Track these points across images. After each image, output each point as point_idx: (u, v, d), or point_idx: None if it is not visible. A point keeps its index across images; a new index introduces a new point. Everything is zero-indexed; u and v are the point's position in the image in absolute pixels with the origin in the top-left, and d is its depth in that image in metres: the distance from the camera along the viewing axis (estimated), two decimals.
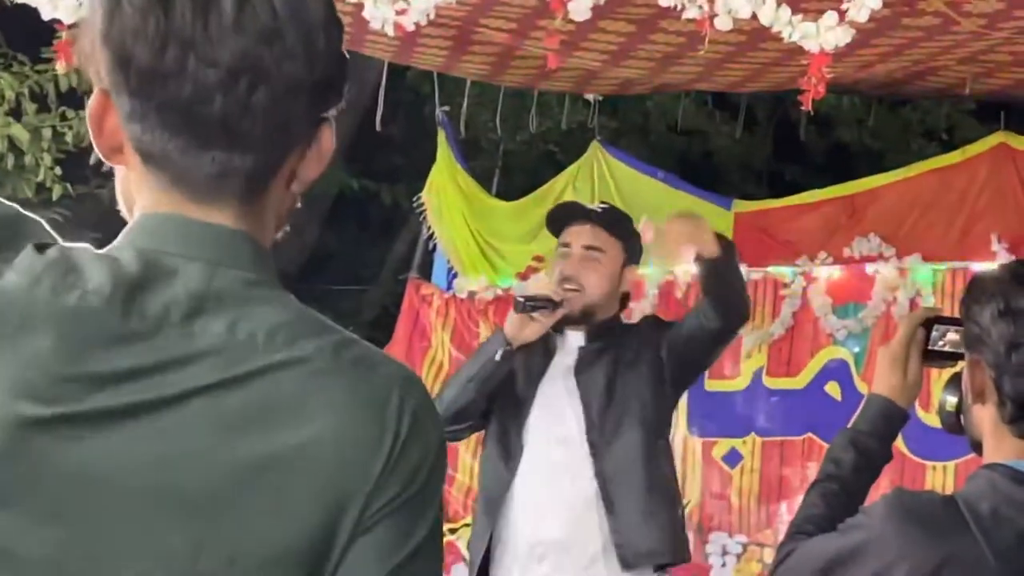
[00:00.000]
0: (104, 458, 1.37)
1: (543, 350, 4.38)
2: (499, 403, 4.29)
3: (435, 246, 7.43)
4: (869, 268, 6.60)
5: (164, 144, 1.44)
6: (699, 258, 4.19)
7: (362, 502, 1.41)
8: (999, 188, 6.39)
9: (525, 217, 7.13)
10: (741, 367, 6.86)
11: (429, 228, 7.42)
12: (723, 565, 6.78)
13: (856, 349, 6.67)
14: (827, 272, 6.72)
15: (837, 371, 6.70)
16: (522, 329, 4.23)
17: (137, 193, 1.49)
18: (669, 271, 6.88)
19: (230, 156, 1.45)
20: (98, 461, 1.37)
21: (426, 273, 7.55)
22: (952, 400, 2.48)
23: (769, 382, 6.81)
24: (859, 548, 2.28)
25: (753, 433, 6.82)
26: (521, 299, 4.23)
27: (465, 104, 6.82)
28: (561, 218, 4.53)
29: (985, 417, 2.31)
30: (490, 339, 4.41)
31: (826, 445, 6.60)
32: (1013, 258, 6.25)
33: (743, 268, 6.79)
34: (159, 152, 1.45)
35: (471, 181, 7.46)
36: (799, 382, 6.79)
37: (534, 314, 4.20)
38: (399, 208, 9.86)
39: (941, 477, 6.29)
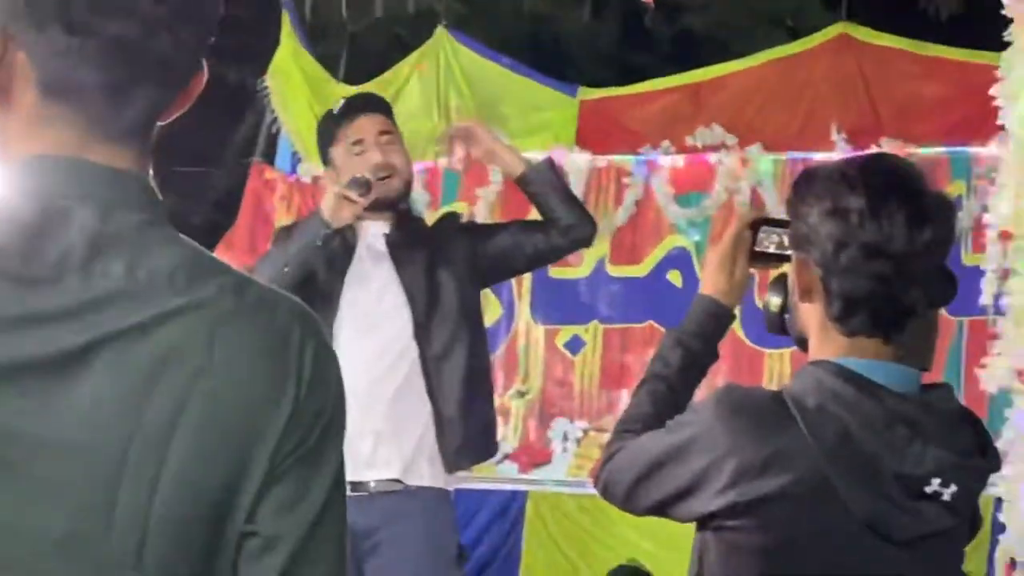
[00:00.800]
0: (17, 412, 1.36)
1: (343, 245, 4.32)
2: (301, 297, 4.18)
3: (279, 130, 7.33)
4: (711, 158, 6.64)
5: (92, 81, 1.43)
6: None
7: (272, 447, 1.42)
8: (840, 79, 6.45)
9: None
10: (584, 255, 6.88)
11: (273, 112, 7.32)
12: (564, 450, 6.85)
13: (697, 238, 6.74)
14: (670, 161, 6.75)
15: (679, 259, 6.76)
16: (340, 211, 4.14)
17: (25, 136, 1.45)
18: None
19: (154, 94, 1.46)
20: (12, 415, 1.36)
21: (270, 157, 7.45)
22: (776, 300, 2.50)
23: (612, 270, 6.86)
24: (688, 444, 2.29)
25: (595, 320, 6.87)
26: (362, 177, 4.14)
27: None
28: (346, 114, 4.42)
29: (811, 315, 2.32)
30: (306, 222, 4.28)
31: (665, 332, 6.72)
32: (852, 149, 6.34)
33: (586, 156, 6.85)
34: (80, 90, 1.43)
35: (316, 65, 7.36)
36: (641, 270, 6.84)
37: (352, 195, 4.10)
38: (244, 89, 9.69)
39: (778, 364, 6.40)
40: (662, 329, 6.72)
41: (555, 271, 6.90)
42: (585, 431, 6.84)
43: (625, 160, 6.83)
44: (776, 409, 2.24)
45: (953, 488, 2.22)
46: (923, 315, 2.35)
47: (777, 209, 6.50)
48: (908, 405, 2.24)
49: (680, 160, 6.73)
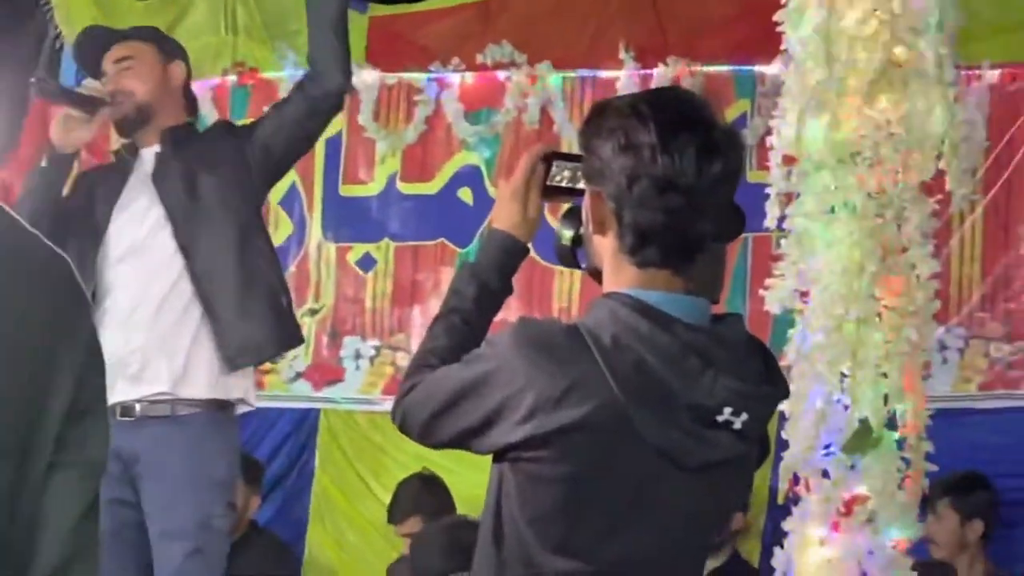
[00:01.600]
0: None
1: (120, 176, 4.29)
2: (75, 233, 4.14)
3: (62, 46, 7.12)
4: (501, 75, 6.64)
5: None
6: None
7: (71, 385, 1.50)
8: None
9: (161, 16, 6.86)
10: (375, 172, 6.85)
11: (56, 27, 7.10)
12: (357, 368, 6.84)
13: (488, 154, 6.74)
14: (460, 78, 6.73)
15: (469, 177, 6.76)
16: (68, 132, 4.11)
17: None
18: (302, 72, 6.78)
19: None
20: None
21: (54, 73, 7.23)
22: (568, 233, 2.53)
23: (403, 187, 6.84)
24: (485, 377, 2.31)
25: (387, 238, 6.84)
26: (86, 94, 4.12)
27: None
28: (90, 52, 4.43)
29: (605, 247, 2.35)
30: (46, 159, 4.25)
31: (459, 250, 6.80)
32: (640, 67, 6.39)
33: (376, 73, 6.80)
34: None
35: None
36: (432, 187, 6.83)
37: (74, 112, 4.08)
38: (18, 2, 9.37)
39: (568, 283, 6.46)
40: (453, 247, 6.74)
41: (345, 189, 6.87)
42: (377, 349, 6.83)
43: (415, 77, 6.79)
44: (572, 342, 2.27)
45: (744, 416, 2.28)
46: (712, 249, 2.40)
47: (566, 125, 6.55)
48: (699, 336, 2.29)
49: (470, 77, 6.71)
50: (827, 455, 3.71)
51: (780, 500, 3.82)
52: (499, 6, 6.69)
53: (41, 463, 1.48)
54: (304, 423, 6.85)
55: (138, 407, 4.10)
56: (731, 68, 6.31)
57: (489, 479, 2.42)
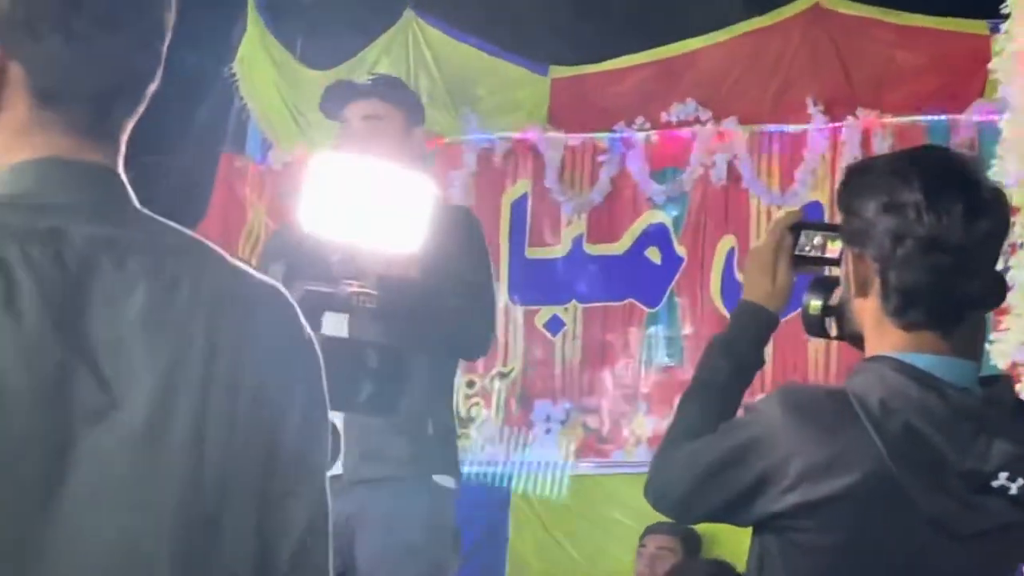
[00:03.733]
0: None
1: None
2: None
3: (248, 117, 7.25)
4: (686, 132, 6.62)
5: (85, 89, 1.58)
6: None
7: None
8: (813, 50, 6.42)
9: None
10: (561, 234, 6.86)
11: (242, 99, 7.24)
12: (548, 432, 6.82)
13: (675, 213, 6.71)
14: (644, 137, 6.72)
15: (656, 235, 6.74)
16: None
17: (13, 144, 1.57)
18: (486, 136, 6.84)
19: (132, 101, 1.64)
20: None
21: (240, 146, 7.38)
22: (816, 303, 2.48)
23: (589, 248, 6.83)
24: (750, 445, 2.26)
25: (574, 300, 6.84)
26: None
27: None
28: (335, 100, 4.35)
29: (867, 310, 2.31)
30: None
31: (647, 310, 6.77)
32: (828, 120, 6.33)
33: (560, 135, 6.82)
34: (73, 97, 1.58)
35: (282, 49, 7.28)
36: (619, 247, 6.82)
37: None
38: (204, 74, 9.58)
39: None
40: (642, 307, 6.71)
41: (532, 252, 6.89)
42: (568, 412, 6.82)
43: (599, 137, 6.79)
44: (839, 407, 2.22)
45: (1021, 482, 2.20)
46: (977, 313, 2.34)
47: (754, 182, 6.50)
48: (970, 399, 2.23)
49: (655, 136, 6.70)
50: None
51: None
52: (683, 64, 6.69)
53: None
54: (498, 488, 6.83)
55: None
56: (923, 118, 6.21)
57: (750, 546, 2.38)
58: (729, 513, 2.34)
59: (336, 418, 3.92)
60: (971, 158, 2.32)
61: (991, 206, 2.23)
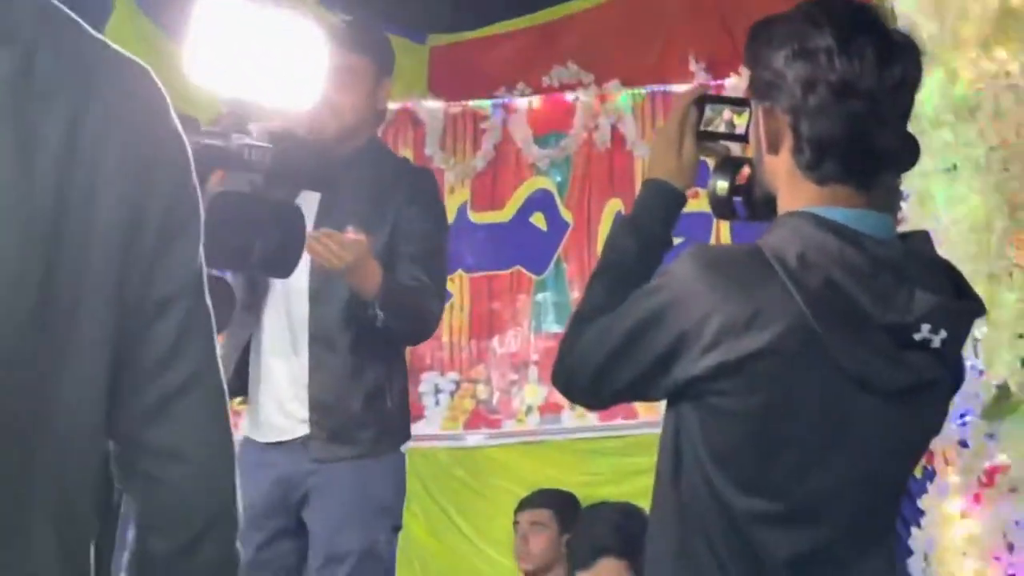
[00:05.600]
0: None
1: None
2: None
3: None
4: (569, 96, 6.58)
5: None
6: None
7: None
8: (694, 8, 6.42)
9: None
10: (445, 203, 6.78)
11: None
12: (436, 404, 6.75)
13: (559, 178, 6.68)
14: (527, 102, 6.68)
15: (541, 201, 6.70)
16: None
17: None
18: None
19: None
20: None
21: None
22: (723, 184, 2.44)
23: (474, 216, 6.78)
24: (664, 309, 2.20)
25: (460, 270, 6.77)
26: None
27: None
28: None
29: (780, 167, 2.25)
30: None
31: (534, 277, 6.72)
32: (712, 78, 6.33)
33: (440, 103, 6.76)
34: None
35: (153, 26, 7.13)
36: (504, 215, 6.77)
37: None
38: None
39: None
40: (529, 274, 6.67)
41: None
42: (457, 383, 6.74)
43: (481, 104, 6.74)
44: (755, 263, 2.17)
45: (943, 334, 2.16)
46: (892, 171, 2.31)
47: (638, 143, 6.49)
48: (890, 251, 2.18)
49: (537, 101, 6.66)
50: (963, 424, 3.61)
51: (918, 474, 3.70)
52: (563, 27, 6.66)
53: None
54: None
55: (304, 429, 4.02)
56: None
57: (663, 424, 2.31)
58: (645, 384, 2.26)
59: (300, 403, 3.94)
60: (877, 7, 2.27)
61: (903, 52, 2.19)
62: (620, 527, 3.74)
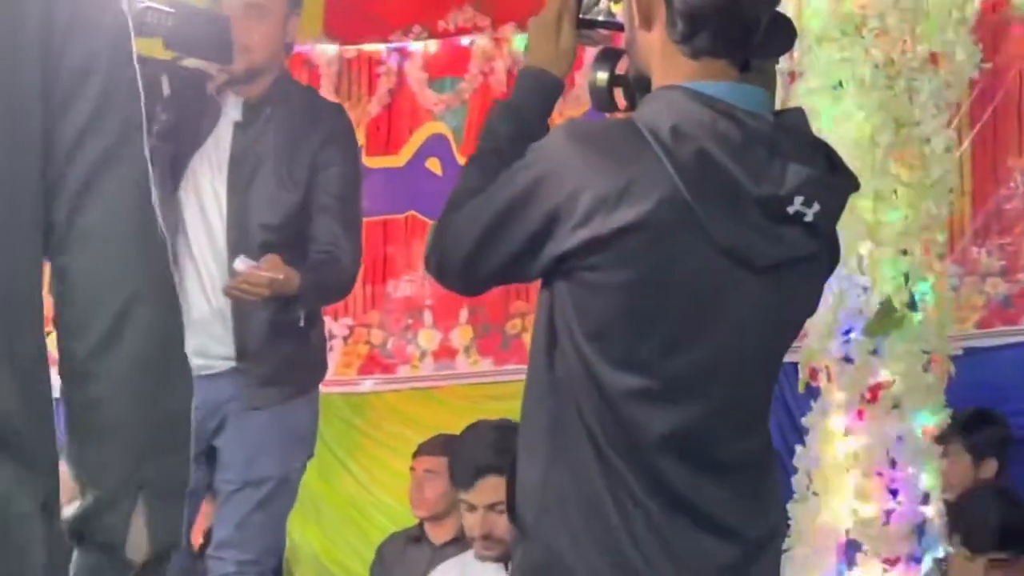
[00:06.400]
0: None
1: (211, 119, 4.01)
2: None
3: None
4: (464, 40, 6.55)
5: None
6: None
7: None
8: None
9: None
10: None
11: None
12: (330, 348, 6.68)
13: (455, 123, 6.65)
14: (422, 46, 6.64)
15: (437, 146, 6.67)
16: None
17: None
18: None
19: None
20: None
21: None
22: (603, 76, 2.43)
23: (369, 161, 6.69)
24: (535, 185, 2.17)
25: None
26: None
27: None
28: None
29: (654, 44, 2.24)
30: None
31: (429, 221, 6.64)
32: None
33: (335, 47, 6.70)
34: None
35: None
36: (399, 160, 6.74)
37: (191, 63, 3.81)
38: None
39: None
40: (424, 219, 6.63)
41: None
42: (351, 328, 6.71)
43: (376, 48, 6.70)
44: (628, 136, 2.15)
45: (816, 207, 2.16)
46: (763, 65, 2.31)
47: None
48: (764, 124, 2.18)
49: (433, 45, 6.63)
50: (847, 341, 3.62)
51: (801, 389, 3.72)
52: None
53: None
54: None
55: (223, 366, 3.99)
56: None
57: (537, 304, 2.29)
58: (518, 264, 2.24)
59: (221, 343, 3.85)
60: None
61: None
62: (498, 444, 3.71)
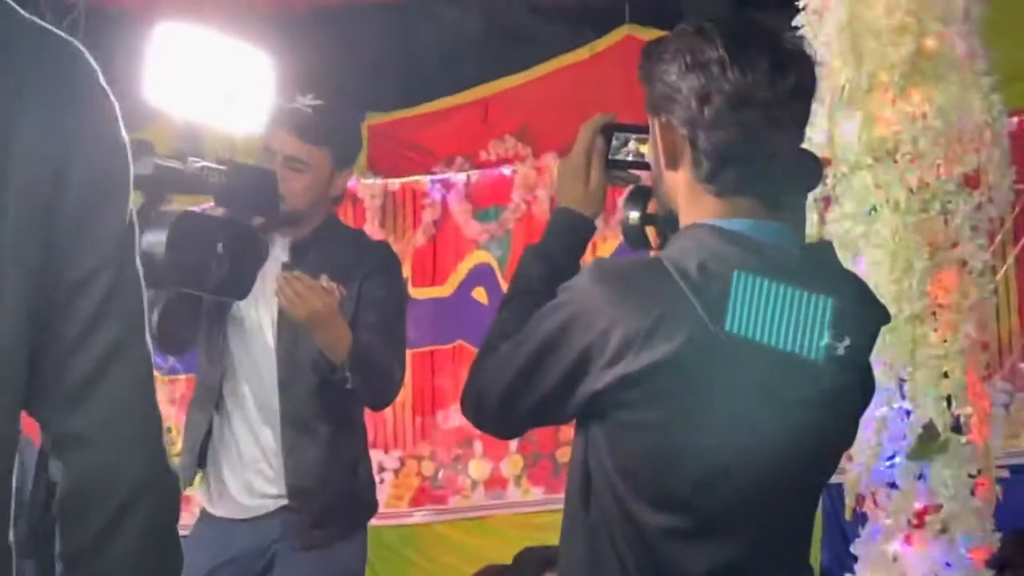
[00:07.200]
0: None
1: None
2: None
3: None
4: (507, 170, 6.62)
5: None
6: None
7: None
8: (628, 80, 6.41)
9: None
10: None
11: None
12: (381, 481, 6.70)
13: (499, 252, 6.69)
14: (465, 177, 6.71)
15: (482, 276, 6.72)
16: None
17: None
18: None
19: None
20: None
21: None
22: (635, 214, 2.45)
23: (415, 292, 6.77)
24: (566, 326, 2.19)
25: None
26: None
27: None
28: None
29: (679, 182, 2.26)
30: None
31: (476, 351, 6.66)
32: None
33: (379, 181, 6.78)
34: None
35: None
36: (445, 290, 6.78)
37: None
38: None
39: None
40: (471, 348, 6.65)
41: None
42: (401, 460, 6.71)
43: (420, 181, 6.77)
44: (655, 274, 2.16)
45: (846, 341, 2.16)
46: (793, 200, 2.32)
47: None
48: (791, 259, 2.19)
49: (475, 175, 6.70)
50: (892, 466, 3.60)
51: (848, 516, 3.70)
52: (499, 102, 6.71)
53: None
54: None
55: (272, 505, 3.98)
56: None
57: (572, 446, 2.30)
58: (552, 405, 2.24)
59: (268, 482, 3.90)
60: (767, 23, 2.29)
61: (796, 61, 2.21)
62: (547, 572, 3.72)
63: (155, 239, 2.72)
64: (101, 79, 1.60)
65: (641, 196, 2.45)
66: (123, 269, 1.59)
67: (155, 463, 1.61)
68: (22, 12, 1.56)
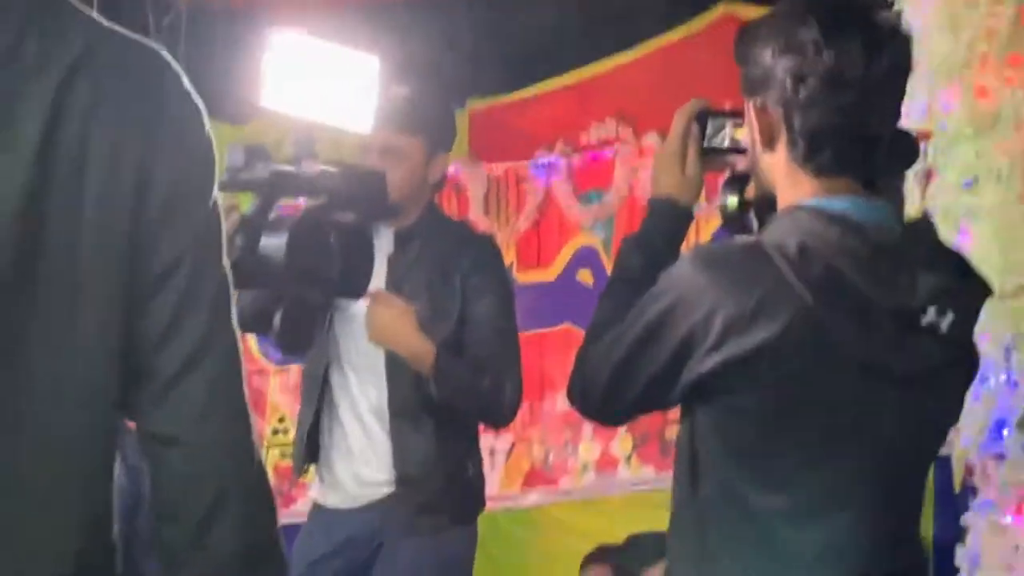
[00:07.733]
0: None
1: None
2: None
3: None
4: (608, 152, 6.63)
5: None
6: None
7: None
8: (726, 59, 6.39)
9: None
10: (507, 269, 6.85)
11: None
12: (492, 466, 6.75)
13: (603, 234, 6.70)
14: (566, 161, 6.73)
15: (587, 258, 6.72)
16: None
17: None
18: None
19: None
20: None
21: None
22: (733, 200, 2.47)
23: (521, 276, 6.80)
24: (668, 311, 2.21)
25: None
26: None
27: None
28: None
29: (777, 163, 2.28)
30: None
31: (582, 333, 6.68)
32: None
33: (482, 167, 6.82)
34: None
35: None
36: (551, 273, 6.80)
37: None
38: None
39: None
40: (578, 331, 6.67)
41: None
42: (512, 444, 6.75)
43: (522, 165, 6.80)
44: (755, 257, 2.19)
45: (950, 317, 2.17)
46: (890, 165, 2.33)
47: None
48: (890, 236, 2.20)
49: (576, 159, 6.71)
50: (1000, 437, 3.59)
51: (956, 488, 3.69)
52: (598, 84, 6.70)
53: None
54: None
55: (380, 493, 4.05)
56: None
57: (679, 431, 2.33)
58: (657, 391, 2.28)
59: (376, 470, 3.99)
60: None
61: (891, 39, 2.22)
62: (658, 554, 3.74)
63: (275, 243, 2.79)
64: (185, 83, 1.62)
65: (739, 181, 2.47)
66: (204, 262, 1.60)
67: (243, 460, 1.62)
68: (104, 23, 1.59)
